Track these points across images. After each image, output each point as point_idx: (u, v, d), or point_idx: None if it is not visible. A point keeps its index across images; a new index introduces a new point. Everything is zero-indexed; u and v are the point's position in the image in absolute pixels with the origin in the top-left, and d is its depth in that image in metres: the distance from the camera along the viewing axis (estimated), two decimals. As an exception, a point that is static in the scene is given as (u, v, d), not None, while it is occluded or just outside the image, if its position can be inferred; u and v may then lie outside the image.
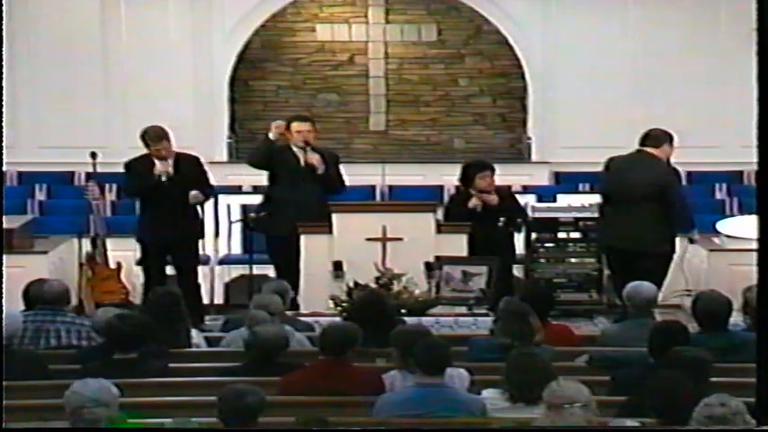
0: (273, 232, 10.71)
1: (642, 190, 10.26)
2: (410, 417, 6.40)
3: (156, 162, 10.35)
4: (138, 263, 11.28)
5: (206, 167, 10.82)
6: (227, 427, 5.90)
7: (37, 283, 8.48)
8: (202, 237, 10.96)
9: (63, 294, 8.27)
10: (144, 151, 10.46)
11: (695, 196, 11.17)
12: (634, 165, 10.39)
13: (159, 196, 10.38)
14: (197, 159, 10.70)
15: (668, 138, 10.44)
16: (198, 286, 10.68)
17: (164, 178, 10.31)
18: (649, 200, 10.26)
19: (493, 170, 10.93)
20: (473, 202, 10.71)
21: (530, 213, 11.31)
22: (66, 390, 5.93)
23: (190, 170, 10.48)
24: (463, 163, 11.33)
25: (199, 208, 10.78)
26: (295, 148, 10.76)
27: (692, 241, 10.80)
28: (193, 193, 10.40)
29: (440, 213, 10.83)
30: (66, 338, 8.08)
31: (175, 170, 10.38)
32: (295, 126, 10.85)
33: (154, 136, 10.36)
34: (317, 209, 10.55)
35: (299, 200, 10.54)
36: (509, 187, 12.22)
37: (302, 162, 10.74)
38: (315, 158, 10.71)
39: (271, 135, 10.81)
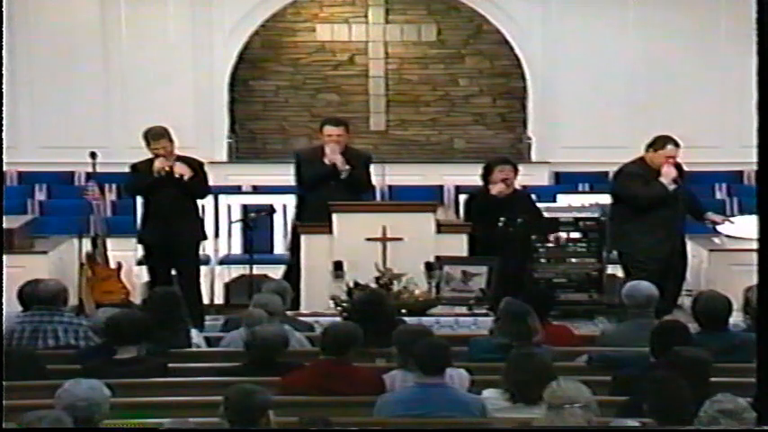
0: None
1: None
2: (410, 417, 6.40)
3: (156, 160, 10.31)
4: (140, 263, 11.27)
5: (207, 171, 10.67)
6: (233, 427, 5.89)
7: (31, 283, 8.44)
8: (204, 238, 10.82)
9: (60, 294, 8.23)
10: (149, 155, 10.39)
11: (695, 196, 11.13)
12: None
13: (158, 195, 10.33)
14: (198, 162, 10.64)
15: (651, 143, 10.45)
16: (199, 288, 10.64)
17: (163, 173, 10.23)
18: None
19: (515, 166, 10.86)
20: (496, 189, 10.65)
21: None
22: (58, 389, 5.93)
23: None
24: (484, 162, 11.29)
25: (200, 210, 10.74)
26: (327, 151, 10.63)
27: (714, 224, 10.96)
28: (179, 164, 10.22)
29: (440, 213, 10.82)
30: (64, 338, 8.04)
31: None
32: (326, 130, 10.78)
33: (154, 134, 10.32)
34: None
35: (325, 203, 10.42)
36: (524, 188, 12.21)
37: (327, 161, 10.61)
38: (337, 159, 10.60)
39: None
